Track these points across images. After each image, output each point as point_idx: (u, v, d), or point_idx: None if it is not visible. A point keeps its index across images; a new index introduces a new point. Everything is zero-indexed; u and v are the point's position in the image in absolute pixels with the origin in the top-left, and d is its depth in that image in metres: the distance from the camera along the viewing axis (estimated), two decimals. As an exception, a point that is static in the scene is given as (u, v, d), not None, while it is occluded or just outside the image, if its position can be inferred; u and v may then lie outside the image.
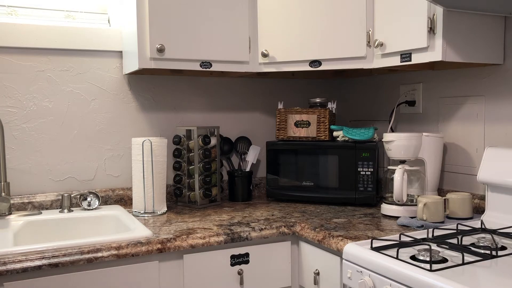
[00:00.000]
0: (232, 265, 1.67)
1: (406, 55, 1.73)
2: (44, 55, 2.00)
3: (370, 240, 1.44)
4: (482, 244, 1.39)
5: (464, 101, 1.92)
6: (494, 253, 1.31)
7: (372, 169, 2.01)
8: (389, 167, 1.88)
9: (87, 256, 1.42)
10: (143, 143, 1.90)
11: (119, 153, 2.15)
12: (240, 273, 1.67)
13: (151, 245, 1.51)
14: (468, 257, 1.29)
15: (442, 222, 1.68)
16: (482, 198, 1.80)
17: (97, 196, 1.99)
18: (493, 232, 1.49)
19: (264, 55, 2.04)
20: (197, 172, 2.09)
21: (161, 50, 1.85)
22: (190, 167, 2.11)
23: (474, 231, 1.53)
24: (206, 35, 1.95)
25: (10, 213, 1.84)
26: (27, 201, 1.95)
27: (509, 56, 1.74)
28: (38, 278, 1.38)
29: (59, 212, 1.92)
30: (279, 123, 2.22)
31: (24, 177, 1.98)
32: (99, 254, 1.44)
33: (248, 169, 2.30)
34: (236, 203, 2.19)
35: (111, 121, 2.13)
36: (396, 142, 1.83)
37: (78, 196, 1.98)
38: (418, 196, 1.79)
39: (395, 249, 1.33)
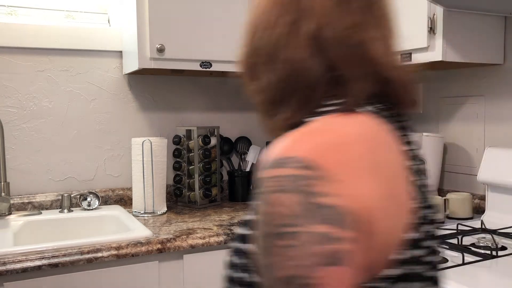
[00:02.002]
0: None
1: (406, 55, 1.73)
2: (44, 55, 2.00)
3: (370, 240, 1.44)
4: (482, 244, 1.39)
5: (464, 101, 1.91)
6: (494, 253, 1.31)
7: (372, 169, 2.01)
8: (389, 167, 1.88)
9: (87, 256, 1.42)
10: (143, 143, 1.90)
11: (119, 153, 2.15)
12: None
13: (151, 245, 1.51)
14: (468, 257, 1.29)
15: (442, 222, 1.68)
16: (482, 198, 1.80)
17: (97, 196, 1.99)
18: (493, 232, 1.49)
19: (264, 55, 2.04)
20: (197, 172, 2.09)
21: (161, 50, 1.85)
22: (190, 167, 2.11)
23: (474, 231, 1.53)
24: (206, 35, 1.94)
25: (10, 213, 1.84)
26: (27, 201, 1.95)
27: (509, 56, 1.74)
28: (38, 278, 1.38)
29: (59, 212, 1.91)
30: (279, 123, 2.22)
31: (24, 177, 1.98)
32: (99, 254, 1.43)
33: (248, 169, 2.30)
34: (236, 203, 2.19)
35: (111, 121, 2.13)
36: (396, 142, 1.83)
37: (78, 196, 1.98)
38: (418, 196, 1.79)
39: (395, 249, 1.33)
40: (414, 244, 0.59)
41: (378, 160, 0.58)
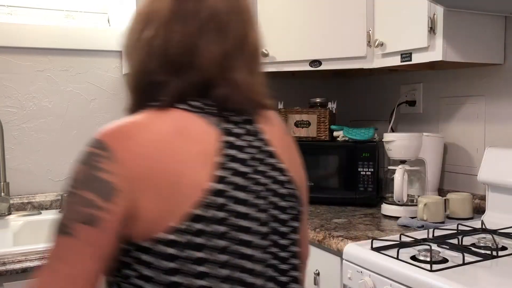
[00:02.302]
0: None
1: (406, 55, 1.73)
2: (44, 55, 2.00)
3: (370, 240, 1.44)
4: (482, 245, 1.39)
5: (465, 101, 1.91)
6: (494, 253, 1.31)
7: (372, 169, 2.01)
8: (390, 167, 1.88)
9: (86, 256, 1.42)
10: (143, 143, 1.90)
11: (119, 153, 2.14)
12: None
13: (151, 245, 1.51)
14: (469, 258, 1.29)
15: (443, 222, 1.68)
16: (483, 198, 1.80)
17: (97, 196, 1.99)
18: (493, 232, 1.49)
19: (264, 55, 2.04)
20: (197, 172, 2.08)
21: (161, 50, 1.84)
22: (190, 167, 2.11)
23: (474, 231, 1.53)
24: (206, 35, 1.94)
25: (9, 213, 1.84)
26: (26, 201, 1.94)
27: (509, 56, 1.74)
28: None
29: (59, 212, 1.91)
30: (279, 123, 2.21)
31: (24, 177, 1.98)
32: (99, 254, 1.43)
33: (248, 169, 2.29)
34: (236, 203, 2.18)
35: (110, 121, 2.12)
36: (397, 142, 1.83)
37: (78, 196, 1.98)
38: (419, 196, 1.79)
39: (396, 249, 1.33)
40: (197, 218, 0.72)
41: (168, 147, 0.72)
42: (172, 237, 0.71)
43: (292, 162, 0.88)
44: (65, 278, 0.69)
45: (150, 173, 0.71)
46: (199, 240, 0.72)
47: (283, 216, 0.83)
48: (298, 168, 0.91)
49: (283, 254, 0.82)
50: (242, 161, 0.78)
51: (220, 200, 0.73)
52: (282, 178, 0.83)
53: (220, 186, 0.74)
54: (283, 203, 0.83)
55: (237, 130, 0.80)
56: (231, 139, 0.78)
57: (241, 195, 0.76)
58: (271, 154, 0.83)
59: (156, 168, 0.71)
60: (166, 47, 0.77)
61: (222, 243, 0.73)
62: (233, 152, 0.77)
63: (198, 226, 0.72)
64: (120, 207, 0.70)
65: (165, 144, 0.73)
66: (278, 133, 0.88)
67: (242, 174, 0.77)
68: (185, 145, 0.74)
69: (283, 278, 0.82)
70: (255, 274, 0.77)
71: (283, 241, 0.83)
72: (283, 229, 0.83)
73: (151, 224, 0.71)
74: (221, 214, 0.73)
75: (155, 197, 0.70)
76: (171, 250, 0.71)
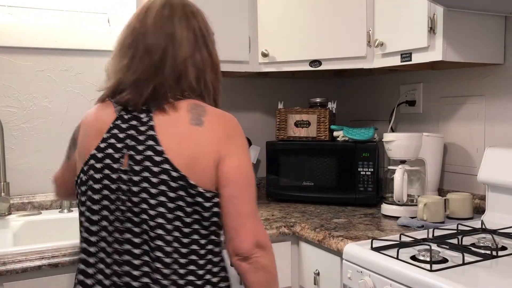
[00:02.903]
0: (232, 265, 1.66)
1: (406, 55, 1.73)
2: (44, 55, 2.00)
3: (370, 240, 1.44)
4: (482, 244, 1.39)
5: (465, 101, 1.91)
6: (494, 253, 1.31)
7: (372, 169, 2.01)
8: (389, 167, 1.88)
9: (86, 256, 1.42)
10: (143, 143, 1.90)
11: (119, 153, 2.14)
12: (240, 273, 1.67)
13: (151, 245, 1.50)
14: (469, 257, 1.29)
15: (443, 222, 1.68)
16: (483, 198, 1.80)
17: (97, 196, 1.99)
18: (493, 232, 1.49)
19: (264, 55, 2.04)
20: (197, 172, 2.08)
21: (161, 50, 1.84)
22: (190, 167, 2.11)
23: (474, 231, 1.53)
24: (206, 35, 1.94)
25: (9, 213, 1.84)
26: (26, 201, 1.94)
27: (509, 56, 1.74)
28: (38, 278, 1.38)
29: (59, 212, 1.91)
30: (279, 123, 2.22)
31: (24, 177, 1.98)
32: (99, 254, 1.43)
33: (248, 169, 2.29)
34: (236, 203, 2.18)
35: (111, 121, 2.12)
36: (397, 142, 1.83)
37: (78, 196, 1.98)
38: (419, 196, 1.79)
39: (395, 249, 1.33)
40: (83, 171, 1.13)
41: (86, 125, 1.18)
42: (78, 180, 1.15)
43: (183, 148, 1.07)
44: (61, 173, 1.34)
45: (85, 142, 1.16)
46: (83, 188, 1.13)
47: (153, 190, 1.05)
48: (196, 155, 1.07)
49: (151, 223, 1.06)
50: (119, 139, 1.10)
51: (95, 163, 1.11)
52: (157, 158, 1.06)
53: (99, 154, 1.11)
54: (154, 179, 1.05)
55: (126, 116, 1.12)
56: (119, 122, 1.12)
57: (109, 162, 1.09)
58: (151, 138, 1.08)
59: (80, 138, 1.19)
60: (115, 69, 1.17)
61: (93, 195, 1.10)
62: (115, 131, 1.11)
63: (83, 178, 1.13)
64: (74, 156, 1.21)
65: (86, 123, 1.19)
66: (174, 123, 1.09)
67: (115, 148, 1.10)
68: (94, 124, 1.15)
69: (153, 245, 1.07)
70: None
71: (151, 211, 1.06)
72: (152, 201, 1.06)
73: (76, 169, 1.19)
74: (94, 173, 1.10)
75: (77, 154, 1.19)
76: (80, 189, 1.15)
